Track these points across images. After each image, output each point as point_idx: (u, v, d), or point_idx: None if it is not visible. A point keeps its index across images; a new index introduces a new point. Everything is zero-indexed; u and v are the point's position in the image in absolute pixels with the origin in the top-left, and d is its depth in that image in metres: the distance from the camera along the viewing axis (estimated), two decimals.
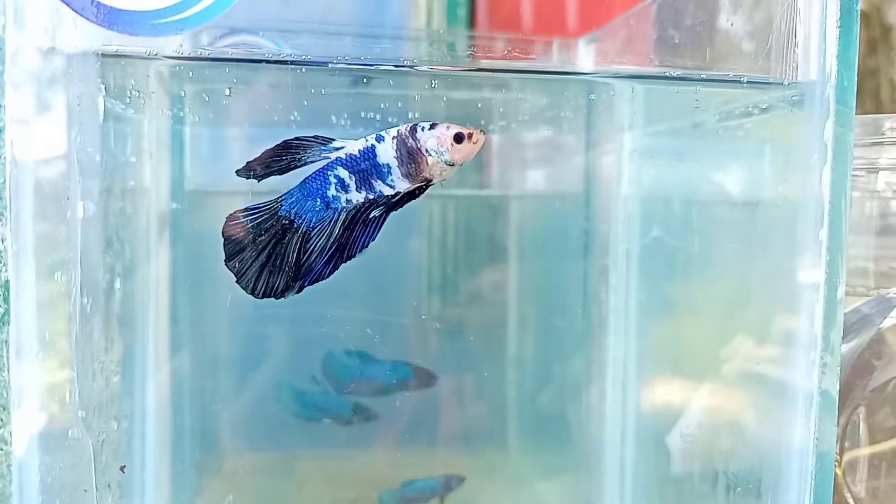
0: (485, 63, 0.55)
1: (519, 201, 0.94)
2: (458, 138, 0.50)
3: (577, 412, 0.95)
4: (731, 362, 0.73)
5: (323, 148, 0.50)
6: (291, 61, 0.51)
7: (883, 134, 0.68)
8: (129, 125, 0.73)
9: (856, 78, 0.52)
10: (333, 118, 0.71)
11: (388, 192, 0.50)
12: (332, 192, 0.50)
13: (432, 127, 0.50)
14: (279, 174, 0.50)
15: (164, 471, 0.86)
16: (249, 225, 0.50)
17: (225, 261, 0.50)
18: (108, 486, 0.68)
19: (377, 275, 0.89)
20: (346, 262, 0.51)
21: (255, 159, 0.50)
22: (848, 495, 0.68)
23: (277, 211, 0.50)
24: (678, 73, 0.56)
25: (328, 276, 0.51)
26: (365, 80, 0.62)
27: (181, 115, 0.82)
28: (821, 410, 0.56)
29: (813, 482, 0.53)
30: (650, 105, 0.73)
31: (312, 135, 0.50)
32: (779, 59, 0.54)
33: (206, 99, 0.71)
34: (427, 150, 0.50)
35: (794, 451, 0.58)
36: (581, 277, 0.91)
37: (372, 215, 0.51)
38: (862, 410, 0.72)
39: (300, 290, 0.51)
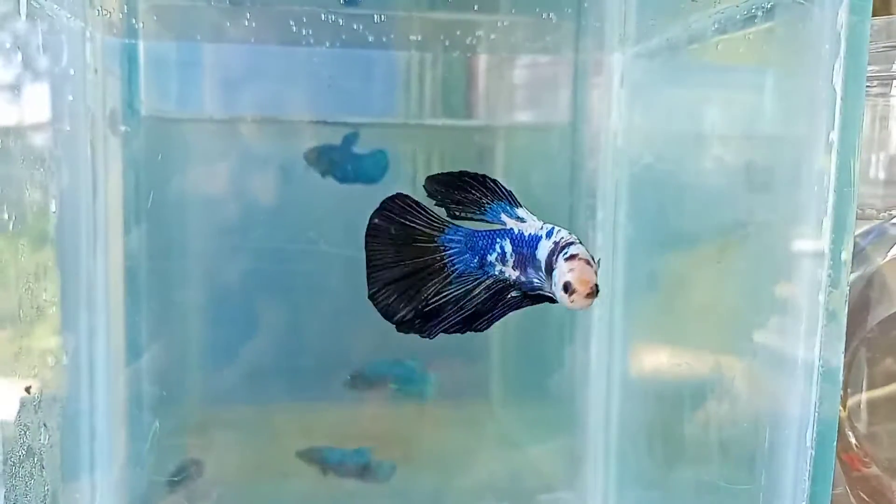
0: None
1: (500, 132, 0.88)
2: (566, 287, 0.46)
3: (561, 360, 0.90)
4: (725, 306, 0.67)
5: (508, 209, 0.49)
6: None
7: None
8: (66, 33, 0.66)
9: None
10: (293, 24, 0.65)
11: (535, 283, 0.49)
12: (491, 257, 0.49)
13: (571, 258, 0.47)
14: (462, 205, 0.49)
15: (118, 415, 0.81)
16: (401, 217, 0.49)
17: (366, 231, 0.49)
18: (44, 425, 0.62)
19: (354, 208, 0.83)
20: (472, 330, 0.50)
21: (449, 176, 0.49)
22: (850, 433, 0.63)
23: (435, 236, 0.49)
24: None
25: (460, 332, 0.50)
26: None
27: (134, 28, 0.76)
28: (823, 365, 0.50)
29: (814, 432, 0.48)
30: (643, 8, 0.66)
31: (508, 189, 0.49)
32: None
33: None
34: (554, 276, 0.48)
35: (793, 402, 0.52)
36: (566, 214, 0.85)
37: (511, 294, 0.50)
38: (864, 354, 0.67)
39: (426, 333, 0.50)
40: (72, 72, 0.68)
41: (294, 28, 0.66)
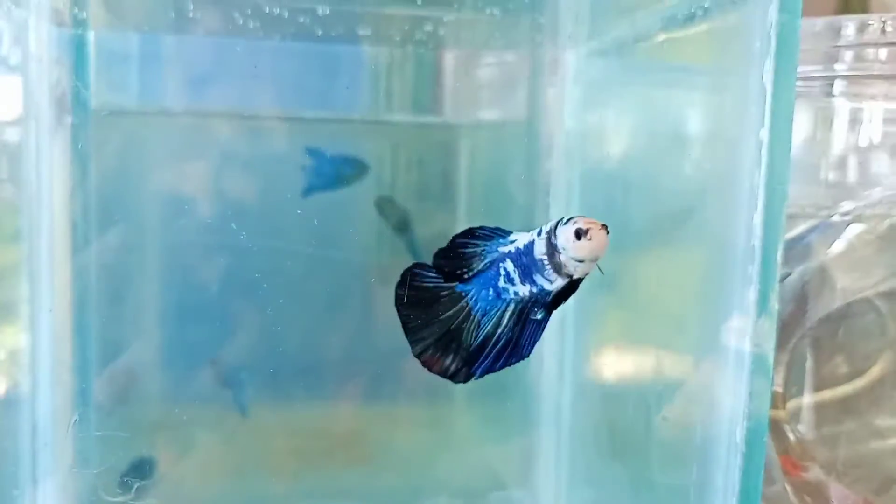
0: None
1: (461, 130, 0.88)
2: (577, 234, 0.48)
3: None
4: (669, 303, 0.68)
5: (501, 241, 0.52)
6: None
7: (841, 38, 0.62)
8: (7, 21, 0.65)
9: None
10: (238, 16, 0.64)
11: (547, 286, 0.51)
12: (501, 283, 0.52)
13: (569, 220, 0.49)
14: (464, 265, 0.52)
15: (63, 416, 0.79)
16: (427, 284, 0.52)
17: (395, 302, 0.52)
18: None
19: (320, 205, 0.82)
20: (518, 360, 0.52)
21: (446, 248, 0.52)
22: (791, 435, 0.64)
23: (453, 288, 0.52)
24: None
25: (498, 370, 0.52)
26: None
27: (82, 18, 0.75)
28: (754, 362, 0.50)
29: (745, 432, 0.48)
30: (593, 5, 0.67)
31: (494, 226, 0.52)
32: None
33: None
34: (560, 247, 0.49)
35: (724, 397, 0.53)
36: (523, 211, 0.86)
37: (534, 317, 0.52)
38: (807, 350, 0.68)
39: (468, 377, 0.52)
40: (12, 62, 0.67)
41: (240, 21, 0.65)
